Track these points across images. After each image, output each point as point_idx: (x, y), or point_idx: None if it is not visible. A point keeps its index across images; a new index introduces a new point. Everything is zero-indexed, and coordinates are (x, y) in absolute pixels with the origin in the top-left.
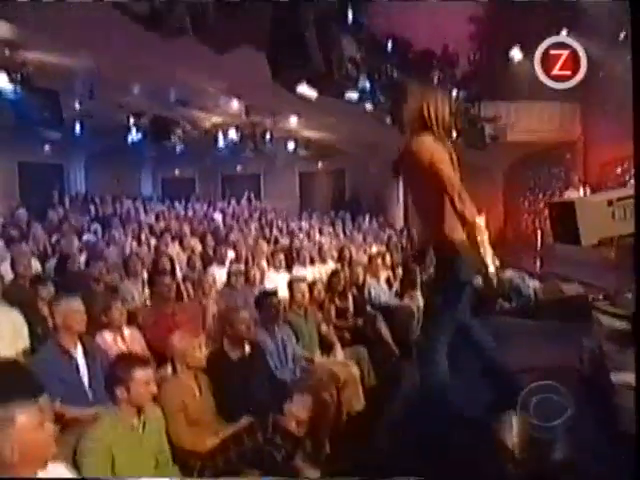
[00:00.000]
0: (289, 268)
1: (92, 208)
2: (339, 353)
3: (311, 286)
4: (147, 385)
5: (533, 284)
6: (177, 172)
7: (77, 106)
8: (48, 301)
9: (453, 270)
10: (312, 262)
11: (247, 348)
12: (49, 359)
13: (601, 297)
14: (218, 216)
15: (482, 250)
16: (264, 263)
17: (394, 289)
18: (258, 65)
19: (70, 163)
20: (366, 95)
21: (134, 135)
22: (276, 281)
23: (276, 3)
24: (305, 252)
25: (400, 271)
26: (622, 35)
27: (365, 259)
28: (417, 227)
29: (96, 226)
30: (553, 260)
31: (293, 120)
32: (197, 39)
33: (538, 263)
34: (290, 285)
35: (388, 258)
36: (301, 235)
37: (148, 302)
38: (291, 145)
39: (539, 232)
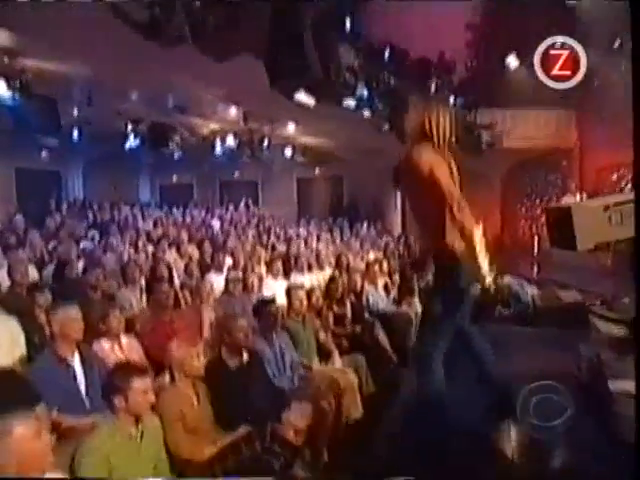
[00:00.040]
0: (287, 275)
1: (90, 215)
2: (337, 361)
3: (309, 293)
4: (145, 394)
5: (531, 291)
6: (175, 178)
7: (75, 113)
8: (45, 309)
9: (453, 278)
10: (310, 269)
11: (245, 356)
12: (46, 367)
13: (598, 302)
14: (216, 223)
15: (480, 258)
16: (262, 270)
17: (392, 296)
18: (256, 72)
19: (68, 169)
20: (364, 102)
21: (132, 142)
22: (274, 288)
23: (274, 12)
24: (303, 259)
25: (398, 278)
26: (617, 43)
27: (363, 266)
28: (416, 235)
29: (94, 233)
30: (550, 266)
31: (291, 127)
32: (196, 47)
33: (535, 269)
34: (288, 292)
35: (385, 265)
36: (299, 242)
37: (146, 310)
38: (289, 152)
39: (536, 238)
